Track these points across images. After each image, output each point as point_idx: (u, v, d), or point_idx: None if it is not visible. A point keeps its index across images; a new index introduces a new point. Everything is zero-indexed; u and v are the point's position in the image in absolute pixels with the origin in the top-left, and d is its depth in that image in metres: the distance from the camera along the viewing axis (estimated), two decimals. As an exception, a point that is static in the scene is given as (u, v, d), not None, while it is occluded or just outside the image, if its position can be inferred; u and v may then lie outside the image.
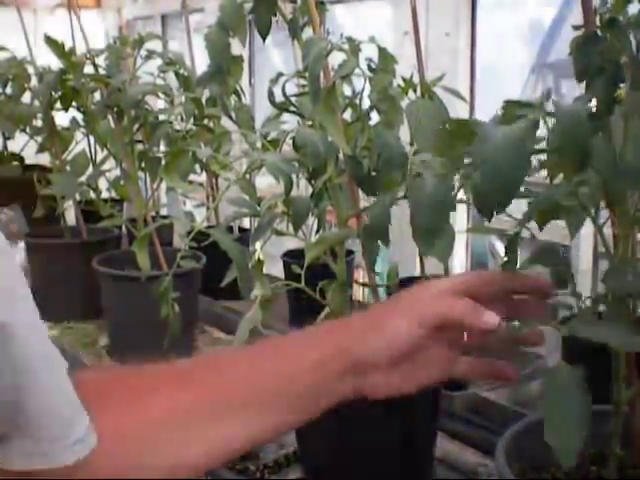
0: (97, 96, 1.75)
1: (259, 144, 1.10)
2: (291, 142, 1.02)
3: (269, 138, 1.11)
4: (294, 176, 0.98)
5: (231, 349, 0.58)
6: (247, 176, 1.13)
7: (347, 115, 1.07)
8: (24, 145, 2.21)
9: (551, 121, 0.62)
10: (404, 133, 1.02)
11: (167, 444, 0.59)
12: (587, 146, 0.59)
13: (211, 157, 1.22)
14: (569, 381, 0.63)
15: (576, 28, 0.71)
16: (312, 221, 1.21)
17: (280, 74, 1.09)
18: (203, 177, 1.98)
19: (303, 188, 1.23)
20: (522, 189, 0.70)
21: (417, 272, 1.75)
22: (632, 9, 0.66)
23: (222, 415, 0.61)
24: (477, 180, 0.57)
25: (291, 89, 1.12)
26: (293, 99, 1.09)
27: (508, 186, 0.57)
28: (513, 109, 0.62)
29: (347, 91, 1.09)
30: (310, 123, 1.08)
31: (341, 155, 1.01)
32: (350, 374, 0.64)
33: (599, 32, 0.66)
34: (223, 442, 0.61)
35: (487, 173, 0.56)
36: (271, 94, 1.08)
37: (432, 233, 0.69)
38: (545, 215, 0.72)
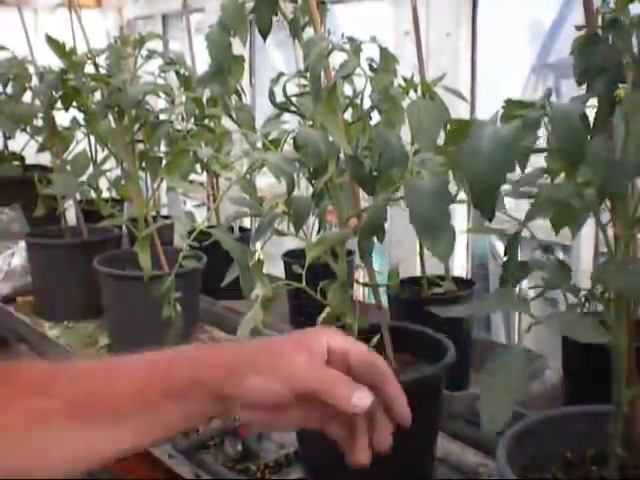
0: (98, 96, 1.75)
1: (260, 144, 1.10)
2: (292, 142, 1.02)
3: (270, 138, 1.10)
4: (295, 175, 0.98)
5: (89, 362, 0.55)
6: (248, 176, 1.13)
7: (348, 115, 1.07)
8: (25, 145, 2.21)
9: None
10: (405, 133, 1.02)
11: (24, 447, 0.57)
12: (581, 145, 0.59)
13: (212, 157, 1.22)
14: (511, 357, 0.62)
15: (579, 28, 0.71)
16: (313, 221, 1.21)
17: (281, 74, 1.09)
18: (204, 177, 1.98)
19: (304, 188, 1.23)
20: (524, 189, 0.70)
21: (418, 272, 1.75)
22: (634, 9, 0.66)
23: (83, 423, 0.59)
24: (466, 179, 0.57)
25: (292, 89, 1.12)
26: (294, 99, 1.09)
27: (490, 185, 0.57)
28: (513, 108, 0.62)
29: (348, 91, 1.09)
30: (311, 123, 1.08)
31: (342, 155, 1.01)
32: (214, 404, 0.62)
33: (601, 32, 0.66)
34: (85, 449, 0.60)
35: (470, 172, 0.56)
36: (272, 94, 1.08)
37: (433, 229, 0.69)
38: (560, 218, 0.73)
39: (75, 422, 0.58)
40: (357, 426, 0.63)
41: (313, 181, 1.03)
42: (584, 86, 0.67)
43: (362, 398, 0.58)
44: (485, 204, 0.58)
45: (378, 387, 0.61)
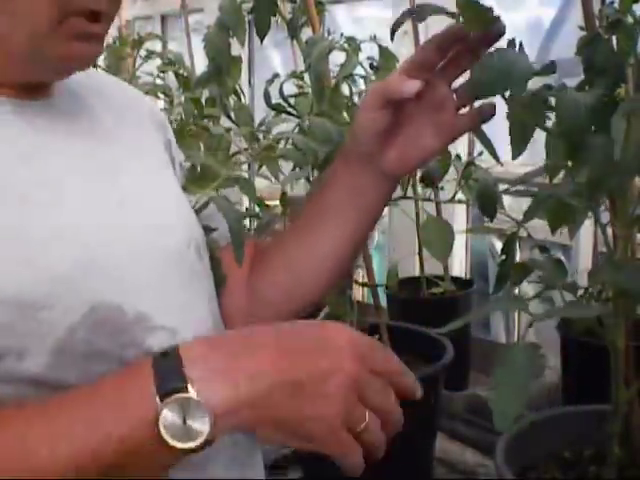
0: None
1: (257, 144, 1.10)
2: (291, 142, 1.02)
3: (269, 137, 1.11)
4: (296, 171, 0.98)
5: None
6: (246, 175, 1.13)
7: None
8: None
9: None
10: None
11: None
12: (583, 133, 0.59)
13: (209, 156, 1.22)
14: (522, 357, 0.62)
15: (582, 28, 0.71)
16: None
17: (276, 75, 1.09)
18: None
19: (303, 188, 1.23)
20: (522, 188, 0.70)
21: (417, 272, 1.75)
22: (637, 10, 0.66)
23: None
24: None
25: (290, 89, 1.12)
26: (291, 100, 1.09)
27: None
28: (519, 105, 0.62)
29: (345, 91, 1.09)
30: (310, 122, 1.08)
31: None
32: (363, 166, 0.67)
33: (603, 33, 0.66)
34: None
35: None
36: (267, 95, 1.08)
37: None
38: (556, 217, 0.72)
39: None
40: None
41: (310, 179, 1.03)
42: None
43: (412, 83, 0.63)
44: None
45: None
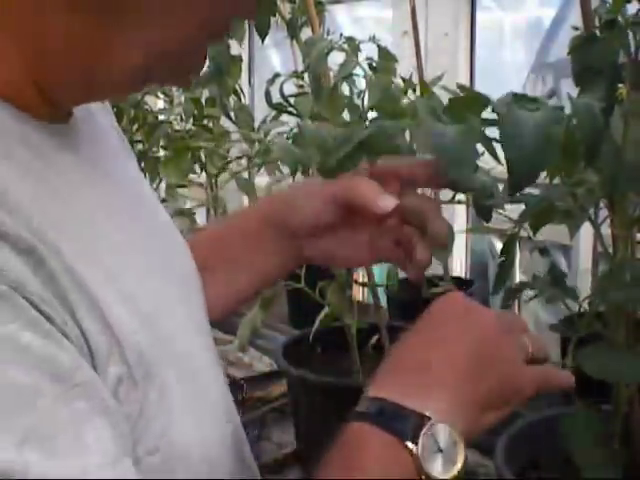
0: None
1: (258, 145, 1.10)
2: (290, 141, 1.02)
3: (269, 137, 1.11)
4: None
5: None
6: (246, 174, 1.14)
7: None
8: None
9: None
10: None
11: None
12: (600, 138, 0.59)
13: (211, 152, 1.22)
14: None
15: (576, 29, 0.71)
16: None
17: (277, 74, 1.09)
18: (203, 178, 1.98)
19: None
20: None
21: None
22: (630, 9, 0.66)
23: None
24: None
25: (290, 89, 1.12)
26: (291, 99, 1.09)
27: (533, 169, 0.56)
28: (522, 103, 0.62)
29: (346, 91, 1.09)
30: (309, 123, 1.08)
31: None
32: (283, 239, 0.67)
33: (598, 33, 0.66)
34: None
35: (514, 154, 0.56)
36: (268, 95, 1.08)
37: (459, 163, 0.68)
38: (539, 218, 0.72)
39: None
40: (407, 243, 0.65)
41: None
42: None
43: (388, 198, 0.60)
44: (526, 185, 0.57)
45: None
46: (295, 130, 1.00)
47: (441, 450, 0.47)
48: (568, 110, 0.58)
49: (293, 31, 1.05)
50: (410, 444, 0.46)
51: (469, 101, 0.61)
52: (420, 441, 0.46)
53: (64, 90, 0.45)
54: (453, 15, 1.68)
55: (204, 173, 1.85)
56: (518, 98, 0.59)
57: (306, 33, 1.05)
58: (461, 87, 0.69)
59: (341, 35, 1.05)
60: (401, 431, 0.46)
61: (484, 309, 0.55)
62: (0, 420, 0.33)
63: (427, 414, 0.47)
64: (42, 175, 0.42)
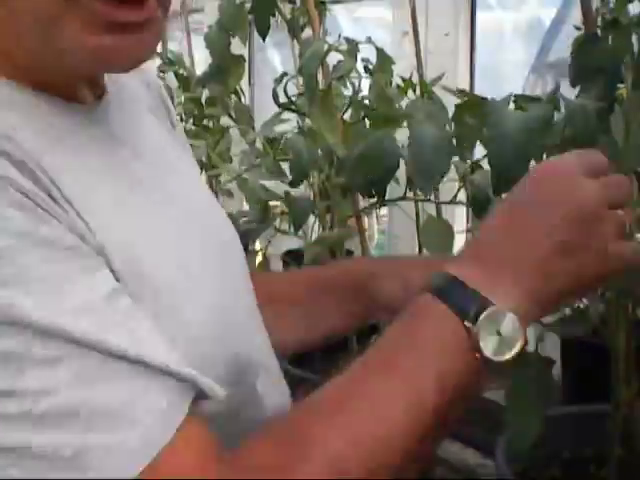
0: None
1: (259, 144, 1.10)
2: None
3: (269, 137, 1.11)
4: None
5: None
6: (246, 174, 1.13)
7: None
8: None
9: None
10: (405, 133, 1.02)
11: None
12: (593, 140, 0.59)
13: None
14: (537, 372, 0.63)
15: (578, 29, 0.71)
16: (313, 221, 1.21)
17: (284, 74, 1.09)
18: (202, 178, 1.98)
19: (303, 187, 1.23)
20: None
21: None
22: (633, 9, 0.66)
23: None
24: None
25: (292, 89, 1.12)
26: (294, 98, 1.09)
27: (514, 170, 0.56)
28: (523, 103, 0.62)
29: (346, 92, 1.09)
30: (310, 122, 1.08)
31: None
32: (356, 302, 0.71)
33: (600, 33, 0.66)
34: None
35: (496, 155, 0.56)
36: (275, 94, 1.08)
37: (432, 173, 0.69)
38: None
39: None
40: None
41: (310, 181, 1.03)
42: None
43: None
44: (505, 189, 0.57)
45: None
46: (300, 126, 1.01)
47: (500, 334, 0.47)
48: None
49: (294, 31, 1.05)
50: (468, 323, 0.47)
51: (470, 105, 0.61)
52: (479, 323, 0.47)
53: (39, 67, 0.47)
54: (453, 15, 1.68)
55: (204, 173, 1.85)
56: (521, 98, 0.60)
57: (307, 33, 1.05)
58: (461, 92, 0.69)
59: (340, 36, 1.04)
60: (462, 310, 0.48)
61: (585, 184, 0.50)
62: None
63: (492, 299, 0.48)
64: (63, 141, 0.47)
